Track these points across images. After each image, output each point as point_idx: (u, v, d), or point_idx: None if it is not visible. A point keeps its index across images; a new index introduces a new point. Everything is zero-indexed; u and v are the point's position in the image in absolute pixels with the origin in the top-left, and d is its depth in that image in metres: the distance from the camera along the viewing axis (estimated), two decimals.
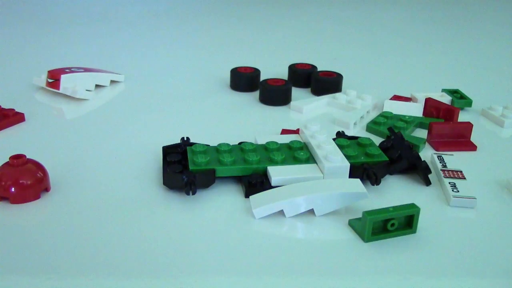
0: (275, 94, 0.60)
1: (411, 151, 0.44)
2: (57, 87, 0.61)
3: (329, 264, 0.34)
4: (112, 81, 0.67)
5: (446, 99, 0.60)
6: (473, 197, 0.40)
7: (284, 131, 0.51)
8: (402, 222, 0.37)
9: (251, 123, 0.56)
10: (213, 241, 0.35)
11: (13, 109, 0.54)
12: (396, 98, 0.62)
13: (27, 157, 0.40)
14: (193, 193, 0.39)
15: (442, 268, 0.34)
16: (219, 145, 0.44)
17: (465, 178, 0.43)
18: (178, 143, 0.45)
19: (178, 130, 0.53)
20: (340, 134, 0.48)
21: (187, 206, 0.39)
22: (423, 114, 0.57)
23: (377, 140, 0.50)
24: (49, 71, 0.62)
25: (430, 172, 0.43)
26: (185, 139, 0.46)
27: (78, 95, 0.60)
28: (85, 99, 0.61)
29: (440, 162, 0.45)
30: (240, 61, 0.74)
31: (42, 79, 0.63)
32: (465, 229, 0.38)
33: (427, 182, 0.43)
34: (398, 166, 0.43)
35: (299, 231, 0.37)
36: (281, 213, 0.38)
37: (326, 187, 0.39)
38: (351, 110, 0.57)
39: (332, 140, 0.45)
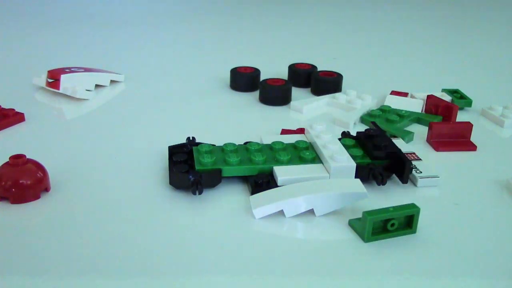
0: (275, 94, 0.60)
1: (391, 145, 0.44)
2: (57, 87, 0.61)
3: (329, 264, 0.34)
4: (112, 81, 0.67)
5: (446, 99, 0.60)
6: (436, 175, 0.43)
7: (284, 131, 0.51)
8: (402, 222, 0.37)
9: (252, 123, 0.56)
10: (218, 241, 0.36)
11: (13, 109, 0.54)
12: (394, 93, 0.62)
13: (27, 157, 0.40)
14: (200, 193, 0.39)
15: (442, 268, 0.34)
16: (225, 145, 0.44)
17: (421, 159, 0.45)
18: (184, 143, 0.45)
19: (178, 130, 0.53)
20: (345, 134, 0.48)
21: (193, 206, 0.39)
22: (424, 111, 0.58)
23: None
24: (49, 71, 0.62)
25: (410, 169, 0.42)
26: (191, 138, 0.46)
27: (78, 95, 0.60)
28: (85, 99, 0.61)
29: None
30: (240, 61, 0.74)
31: (42, 79, 0.63)
32: (465, 229, 0.38)
33: (405, 180, 0.42)
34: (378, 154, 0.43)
35: (299, 231, 0.37)
36: (281, 213, 0.38)
37: (326, 187, 0.39)
38: (351, 110, 0.57)
39: (338, 140, 0.45)
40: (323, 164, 0.42)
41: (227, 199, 0.40)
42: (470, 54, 0.88)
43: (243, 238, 0.36)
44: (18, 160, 0.39)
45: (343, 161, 0.41)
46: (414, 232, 0.37)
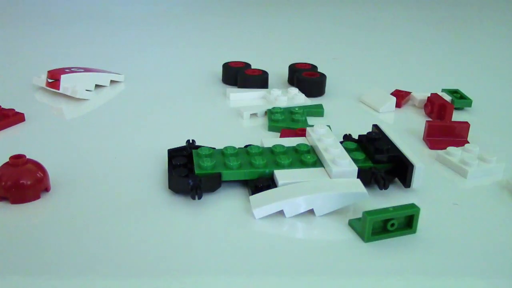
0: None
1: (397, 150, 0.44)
2: (57, 87, 0.61)
3: (329, 264, 0.34)
4: (112, 81, 0.67)
5: (446, 99, 0.60)
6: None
7: (284, 132, 0.51)
8: (402, 222, 0.37)
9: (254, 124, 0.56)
10: (217, 242, 0.36)
11: (13, 109, 0.54)
12: (397, 92, 0.62)
13: (27, 157, 0.40)
14: (199, 198, 0.39)
15: (442, 268, 0.34)
16: (225, 148, 0.44)
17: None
18: (184, 146, 0.45)
19: (178, 131, 0.53)
20: (347, 137, 0.47)
21: (192, 210, 0.39)
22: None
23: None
24: (49, 71, 0.62)
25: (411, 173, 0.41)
26: (191, 141, 0.46)
27: (78, 95, 0.60)
28: (85, 99, 0.61)
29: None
30: (240, 60, 0.74)
31: (42, 79, 0.63)
32: (465, 229, 0.38)
33: (408, 184, 0.42)
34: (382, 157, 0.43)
35: (299, 231, 0.37)
36: (281, 213, 0.38)
37: (326, 187, 0.39)
38: (272, 105, 0.58)
39: (340, 144, 0.44)
40: (324, 168, 0.42)
41: (227, 203, 0.40)
42: (470, 54, 0.88)
43: (243, 239, 0.36)
44: (18, 160, 0.39)
45: (344, 165, 0.41)
46: (414, 232, 0.37)
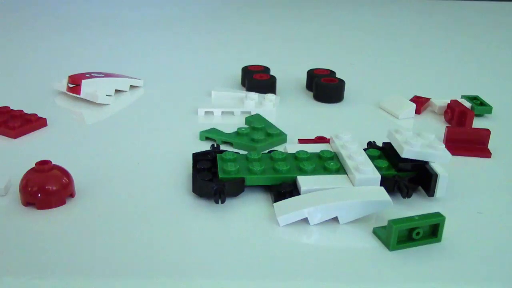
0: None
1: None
2: (78, 92, 0.61)
3: (355, 272, 0.34)
4: (132, 86, 0.67)
5: (466, 105, 0.60)
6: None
7: (301, 141, 0.51)
8: (427, 230, 0.37)
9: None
10: (241, 248, 0.36)
11: (35, 114, 0.55)
12: (416, 98, 0.62)
13: (52, 162, 0.40)
14: (222, 202, 0.39)
15: (467, 277, 0.34)
16: (249, 153, 0.44)
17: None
18: (208, 150, 0.45)
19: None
20: (371, 145, 0.48)
21: (216, 214, 0.39)
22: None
23: None
24: (69, 76, 0.63)
25: (435, 182, 0.41)
26: (215, 146, 0.46)
27: (98, 100, 0.61)
28: (105, 104, 0.61)
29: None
30: (256, 63, 0.74)
31: (62, 84, 0.64)
32: (490, 237, 0.38)
33: (432, 193, 0.42)
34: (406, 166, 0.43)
35: (323, 239, 0.37)
36: (305, 220, 0.38)
37: (350, 195, 0.39)
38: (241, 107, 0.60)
39: (363, 151, 0.44)
40: (347, 175, 0.42)
41: (250, 208, 0.40)
42: (490, 60, 0.88)
43: (265, 245, 0.36)
44: (44, 166, 0.39)
45: (368, 172, 0.41)
46: (439, 240, 0.37)
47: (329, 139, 0.49)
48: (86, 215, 0.39)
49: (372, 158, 0.44)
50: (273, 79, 0.65)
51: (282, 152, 0.45)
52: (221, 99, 0.63)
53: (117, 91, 0.65)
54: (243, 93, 0.63)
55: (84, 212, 0.39)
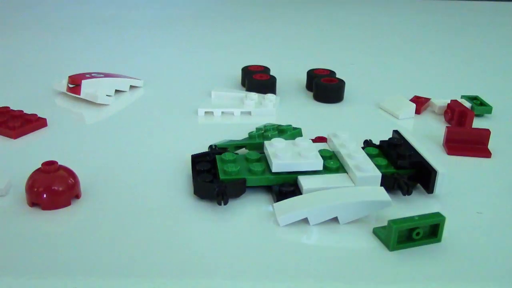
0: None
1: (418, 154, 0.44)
2: (78, 92, 0.61)
3: (354, 272, 0.34)
4: (132, 86, 0.67)
5: (465, 105, 0.60)
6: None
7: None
8: (427, 231, 0.37)
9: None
10: (243, 248, 0.36)
11: (35, 114, 0.55)
12: (416, 98, 0.62)
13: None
14: (225, 204, 0.39)
15: (467, 278, 0.34)
16: (248, 153, 0.44)
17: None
18: (207, 152, 0.45)
19: (200, 135, 0.54)
20: (368, 143, 0.48)
21: (218, 215, 0.39)
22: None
23: None
24: (69, 77, 0.63)
25: (434, 179, 0.41)
26: (214, 147, 0.46)
27: (98, 100, 0.61)
28: (105, 104, 0.61)
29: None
30: (256, 63, 0.74)
31: (62, 84, 0.64)
32: (490, 237, 0.38)
33: (431, 189, 0.42)
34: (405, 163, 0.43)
35: (323, 239, 0.37)
36: (305, 221, 0.38)
37: (350, 195, 0.39)
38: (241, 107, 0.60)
39: (362, 149, 0.45)
40: (347, 174, 0.42)
41: (252, 209, 0.40)
42: (489, 60, 0.88)
43: (266, 246, 0.36)
44: (50, 167, 0.39)
45: (368, 171, 0.41)
46: (439, 241, 0.37)
47: (317, 138, 0.50)
48: (89, 216, 0.39)
49: (370, 156, 0.44)
50: (273, 79, 0.66)
51: None
52: (221, 99, 0.63)
53: (117, 91, 0.65)
54: (243, 93, 0.63)
55: (87, 213, 0.39)
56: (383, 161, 0.43)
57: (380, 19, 1.20)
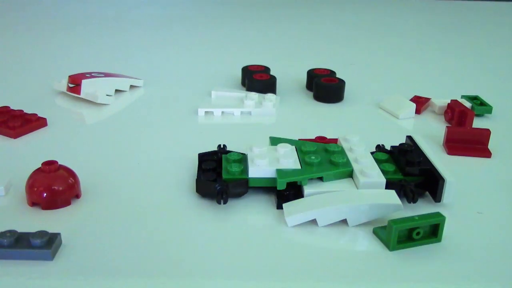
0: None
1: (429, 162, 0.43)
2: (78, 92, 0.61)
3: (355, 272, 0.34)
4: (132, 86, 0.67)
5: (466, 105, 0.60)
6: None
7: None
8: (427, 231, 0.37)
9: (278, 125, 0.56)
10: (241, 249, 0.36)
11: (36, 114, 0.55)
12: (416, 98, 0.62)
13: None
14: (225, 203, 0.39)
15: (467, 277, 0.34)
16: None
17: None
18: (214, 150, 0.45)
19: (199, 134, 0.54)
20: (379, 148, 0.47)
21: (218, 215, 0.39)
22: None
23: None
24: (69, 76, 0.63)
25: (442, 188, 0.41)
26: (222, 146, 0.46)
27: (98, 100, 0.61)
28: (105, 104, 0.61)
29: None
30: (256, 63, 0.74)
31: (62, 84, 0.64)
32: (491, 238, 0.38)
33: (438, 198, 0.41)
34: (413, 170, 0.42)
35: (323, 239, 0.37)
36: (313, 221, 0.38)
37: (360, 197, 0.39)
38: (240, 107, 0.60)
39: (370, 154, 0.44)
40: (352, 178, 0.42)
41: (253, 209, 0.40)
42: (490, 60, 0.88)
43: (266, 246, 0.36)
44: (50, 167, 0.39)
45: (373, 176, 0.41)
46: (439, 240, 0.37)
47: (329, 139, 0.50)
48: (89, 216, 0.39)
49: (379, 161, 0.43)
50: (273, 79, 0.66)
51: None
52: (221, 99, 0.63)
53: (117, 91, 0.65)
54: (243, 93, 0.63)
55: (87, 213, 0.39)
56: (391, 167, 0.43)
57: (380, 19, 1.20)
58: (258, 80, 0.65)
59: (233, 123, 0.58)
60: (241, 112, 0.59)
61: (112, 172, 0.45)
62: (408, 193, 0.40)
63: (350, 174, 0.42)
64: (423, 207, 0.41)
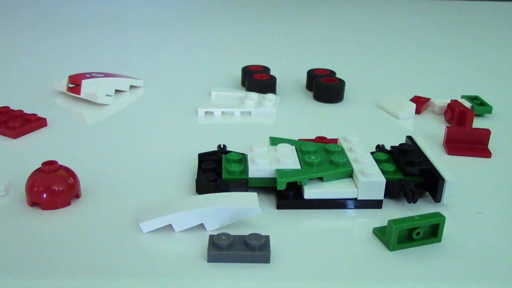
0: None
1: (428, 162, 0.43)
2: (78, 92, 0.61)
3: (355, 272, 0.34)
4: (132, 86, 0.67)
5: (466, 105, 0.60)
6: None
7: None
8: (427, 231, 0.37)
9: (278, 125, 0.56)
10: None
11: (35, 114, 0.55)
12: (416, 98, 0.62)
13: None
14: None
15: (467, 277, 0.34)
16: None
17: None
18: (214, 150, 0.45)
19: (199, 135, 0.54)
20: (380, 148, 0.47)
21: None
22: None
23: None
24: (69, 76, 0.63)
25: (442, 188, 0.41)
26: (222, 146, 0.46)
27: (98, 100, 0.61)
28: (105, 104, 0.61)
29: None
30: (256, 63, 0.74)
31: (62, 84, 0.64)
32: (491, 238, 0.38)
33: (438, 198, 0.41)
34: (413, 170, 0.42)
35: (322, 239, 0.37)
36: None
37: (217, 201, 0.38)
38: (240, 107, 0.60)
39: (370, 154, 0.44)
40: (352, 178, 0.42)
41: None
42: (490, 60, 0.88)
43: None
44: (50, 167, 0.39)
45: (372, 176, 0.40)
46: (439, 240, 0.37)
47: (329, 139, 0.50)
48: (89, 216, 0.39)
49: (379, 161, 0.43)
50: (273, 79, 0.66)
51: None
52: (221, 99, 0.63)
53: (117, 91, 0.65)
54: (243, 93, 0.63)
55: (87, 213, 0.39)
56: (391, 167, 0.42)
57: (380, 19, 1.20)
58: (258, 80, 0.65)
59: (233, 123, 0.58)
60: (241, 112, 0.59)
61: (112, 172, 0.45)
62: (408, 193, 0.40)
63: (350, 174, 0.42)
64: (423, 207, 0.41)
